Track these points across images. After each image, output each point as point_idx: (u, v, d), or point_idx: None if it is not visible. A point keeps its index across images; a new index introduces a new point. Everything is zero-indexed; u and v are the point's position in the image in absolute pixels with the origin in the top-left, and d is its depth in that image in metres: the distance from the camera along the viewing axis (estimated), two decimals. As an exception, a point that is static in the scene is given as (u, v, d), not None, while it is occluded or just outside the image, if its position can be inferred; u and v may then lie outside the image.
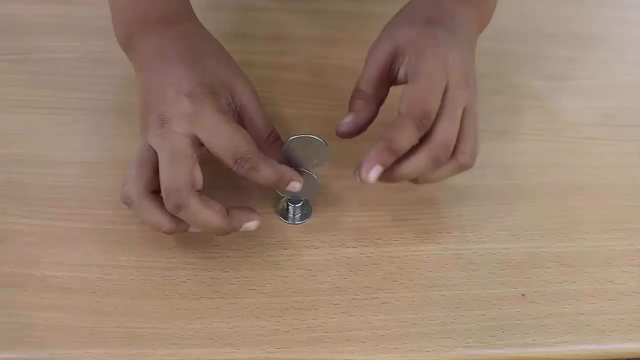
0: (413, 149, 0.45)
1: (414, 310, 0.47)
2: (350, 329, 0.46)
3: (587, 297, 0.49)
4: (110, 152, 0.54)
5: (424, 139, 0.45)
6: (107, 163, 0.53)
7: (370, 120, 0.49)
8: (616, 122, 0.61)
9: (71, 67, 0.60)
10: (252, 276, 0.48)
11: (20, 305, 0.45)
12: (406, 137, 0.45)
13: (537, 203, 0.54)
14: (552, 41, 0.68)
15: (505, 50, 0.65)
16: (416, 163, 0.45)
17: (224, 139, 0.44)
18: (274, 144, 0.49)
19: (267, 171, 0.45)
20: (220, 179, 0.53)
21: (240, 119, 0.48)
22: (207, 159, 0.54)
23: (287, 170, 0.46)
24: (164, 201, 0.44)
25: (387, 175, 0.45)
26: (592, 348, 0.47)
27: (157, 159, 0.44)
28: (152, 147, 0.45)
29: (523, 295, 0.49)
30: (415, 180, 0.47)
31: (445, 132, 0.45)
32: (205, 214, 0.44)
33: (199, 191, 0.44)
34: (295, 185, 0.46)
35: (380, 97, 0.49)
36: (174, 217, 0.44)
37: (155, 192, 0.45)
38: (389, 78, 0.49)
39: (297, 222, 0.51)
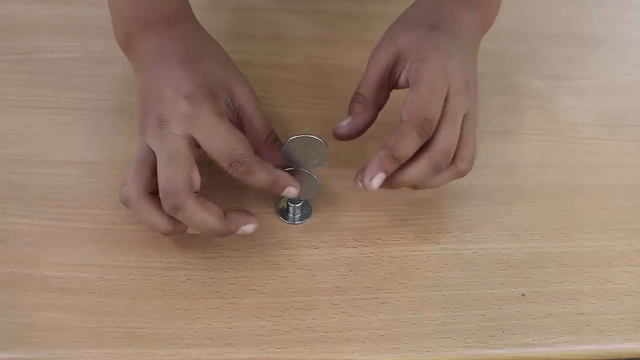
0: (414, 156, 0.46)
1: (414, 310, 0.47)
2: (350, 329, 0.46)
3: (587, 297, 0.49)
4: (110, 152, 0.54)
5: (424, 145, 0.46)
6: (107, 163, 0.53)
7: (368, 124, 0.49)
8: (616, 122, 0.61)
9: (71, 67, 0.60)
10: (252, 276, 0.48)
11: (20, 305, 0.45)
12: (409, 145, 0.45)
13: (537, 203, 0.54)
14: (552, 41, 0.68)
15: (505, 50, 0.65)
16: (417, 170, 0.46)
17: (220, 142, 0.44)
18: (272, 144, 0.49)
19: (262, 175, 0.45)
20: (219, 179, 0.53)
21: (239, 119, 0.48)
22: (206, 160, 0.54)
23: (282, 175, 0.46)
24: (162, 202, 0.44)
25: (389, 181, 0.46)
26: (592, 348, 0.47)
27: (156, 159, 0.44)
28: (150, 148, 0.45)
29: (523, 295, 0.49)
30: (414, 186, 0.48)
31: (446, 139, 0.46)
32: (202, 216, 0.44)
33: (196, 192, 0.44)
34: (291, 191, 0.46)
35: (379, 102, 0.50)
36: (171, 218, 0.44)
37: (153, 193, 0.45)
38: (389, 83, 0.50)
39: (297, 222, 0.51)
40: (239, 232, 0.45)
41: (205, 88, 0.45)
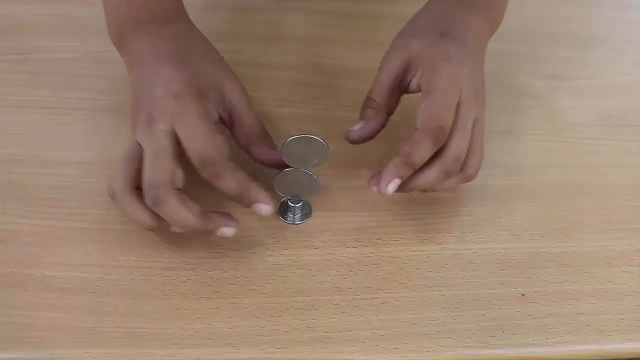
0: (426, 162, 0.47)
1: (414, 310, 0.47)
2: (350, 329, 0.46)
3: (587, 297, 0.49)
4: (110, 152, 0.54)
5: (437, 152, 0.47)
6: (107, 163, 0.53)
7: (379, 129, 0.51)
8: (616, 122, 0.61)
9: (71, 67, 0.60)
10: (252, 276, 0.48)
11: (20, 305, 0.45)
12: (423, 152, 0.47)
13: (537, 203, 0.54)
14: (552, 41, 0.68)
15: (505, 50, 0.65)
16: (429, 176, 0.47)
17: (197, 142, 0.45)
18: (263, 143, 0.50)
19: (231, 182, 0.45)
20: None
21: (230, 119, 0.49)
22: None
23: (254, 188, 0.46)
24: (144, 196, 0.44)
25: (402, 186, 0.47)
26: (592, 348, 0.47)
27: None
28: (139, 144, 0.46)
29: (523, 295, 0.49)
30: (423, 190, 0.49)
31: (458, 146, 0.47)
32: (182, 212, 0.44)
33: (179, 190, 0.45)
34: (262, 209, 0.46)
35: (390, 107, 0.51)
36: (154, 214, 0.45)
37: (140, 188, 0.45)
38: (400, 88, 0.51)
39: (297, 222, 0.51)
40: (218, 233, 0.46)
41: (194, 88, 0.46)
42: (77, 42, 0.62)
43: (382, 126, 0.51)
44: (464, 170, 0.48)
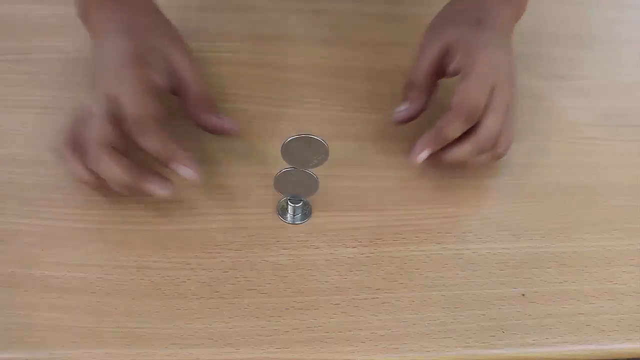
0: (460, 138, 0.51)
1: (414, 310, 0.47)
2: (350, 329, 0.46)
3: (587, 297, 0.49)
4: (110, 152, 0.54)
5: (471, 129, 0.50)
6: (107, 163, 0.53)
7: (422, 109, 0.54)
8: (616, 122, 0.61)
9: (71, 67, 0.60)
10: (252, 276, 0.48)
11: (20, 305, 0.45)
12: (455, 129, 0.50)
13: (537, 203, 0.54)
14: (552, 41, 0.68)
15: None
16: (462, 151, 0.51)
17: (127, 103, 0.48)
18: (209, 111, 0.53)
19: (154, 141, 0.48)
20: (219, 179, 0.53)
21: (179, 88, 0.53)
22: (206, 160, 0.54)
23: (176, 150, 0.49)
24: (83, 153, 0.47)
25: (436, 157, 0.51)
26: (592, 348, 0.47)
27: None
28: (86, 107, 0.49)
29: (523, 295, 0.49)
30: (454, 163, 0.52)
31: (491, 126, 0.50)
32: (115, 169, 0.47)
33: (115, 148, 0.47)
34: (183, 170, 0.48)
35: (430, 89, 0.54)
36: (93, 172, 0.48)
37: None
38: (438, 72, 0.54)
39: (297, 222, 0.51)
40: (151, 192, 0.48)
41: (138, 56, 0.50)
42: (77, 42, 0.62)
43: (424, 108, 0.54)
44: (494, 148, 0.52)
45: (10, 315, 0.45)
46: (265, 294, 0.47)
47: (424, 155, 0.51)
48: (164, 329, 0.45)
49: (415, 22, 0.68)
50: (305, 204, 0.52)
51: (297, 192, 0.50)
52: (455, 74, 0.52)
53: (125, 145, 0.48)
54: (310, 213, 0.52)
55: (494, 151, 0.52)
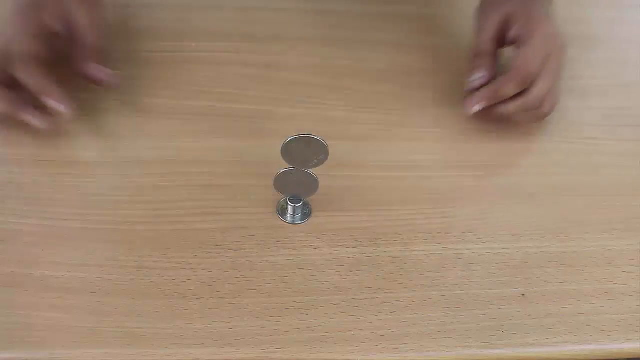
0: (513, 96, 0.56)
1: (414, 310, 0.47)
2: (350, 329, 0.46)
3: (587, 297, 0.49)
4: (110, 152, 0.54)
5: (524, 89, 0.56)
6: (107, 163, 0.53)
7: (494, 76, 0.58)
8: (616, 122, 0.61)
9: (71, 67, 0.60)
10: (252, 276, 0.48)
11: (20, 305, 0.45)
12: (510, 89, 0.55)
13: (536, 203, 0.54)
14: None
15: (505, 50, 0.65)
16: (512, 107, 0.56)
17: (14, 40, 0.53)
18: (91, 60, 0.55)
19: (30, 74, 0.52)
20: (219, 179, 0.53)
21: (73, 34, 0.56)
22: (206, 160, 0.54)
23: (49, 85, 0.52)
24: None
25: (488, 111, 0.56)
26: (592, 348, 0.47)
27: None
28: None
29: (523, 295, 0.49)
30: (502, 117, 0.57)
31: (542, 90, 0.56)
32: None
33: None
34: (54, 105, 0.52)
35: (496, 57, 0.59)
36: None
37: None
38: (499, 41, 0.59)
39: (297, 222, 0.51)
40: (27, 121, 0.52)
41: (36, 2, 0.55)
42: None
43: (494, 76, 0.58)
44: (540, 108, 0.57)
45: (10, 315, 0.45)
46: (265, 294, 0.47)
47: (478, 107, 0.56)
48: (164, 329, 0.45)
49: (415, 22, 0.68)
50: (305, 204, 0.52)
51: (297, 192, 0.50)
52: (513, 42, 0.58)
53: (11, 81, 0.52)
54: (310, 213, 0.52)
55: (539, 110, 0.57)
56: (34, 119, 0.52)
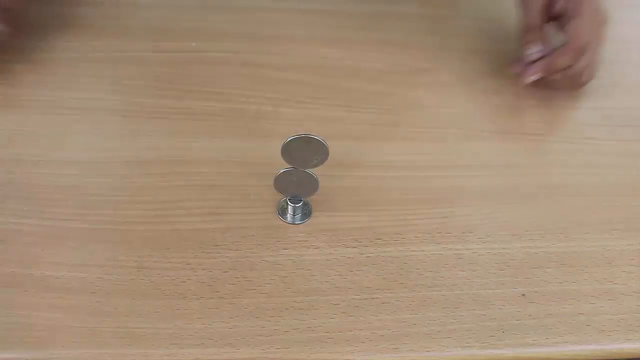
0: None
1: (414, 310, 0.47)
2: (350, 329, 0.46)
3: (587, 297, 0.49)
4: (110, 152, 0.54)
5: None
6: (107, 163, 0.53)
7: (548, 47, 0.60)
8: (616, 122, 0.61)
9: (71, 67, 0.60)
10: (252, 276, 0.48)
11: (20, 305, 0.45)
12: (564, 61, 0.59)
13: (537, 203, 0.54)
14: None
15: (506, 50, 0.65)
16: (558, 76, 0.60)
17: None
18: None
19: None
20: (219, 179, 0.53)
21: None
22: (206, 160, 0.54)
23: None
24: None
25: (526, 77, 0.60)
26: (592, 348, 0.47)
27: None
28: None
29: (523, 295, 0.49)
30: (545, 85, 0.61)
31: (585, 61, 0.59)
32: None
33: None
34: None
35: (544, 30, 0.61)
36: None
37: None
38: (547, 15, 0.61)
39: (297, 222, 0.51)
40: None
41: None
42: (77, 42, 0.62)
43: (548, 48, 0.60)
44: (580, 77, 0.60)
45: (10, 315, 0.45)
46: (265, 294, 0.47)
47: (534, 78, 0.59)
48: (164, 329, 0.45)
49: (415, 22, 0.68)
50: (305, 204, 0.52)
51: (297, 192, 0.50)
52: (558, 16, 0.60)
53: None
54: (310, 213, 0.52)
55: (579, 80, 0.60)
56: None
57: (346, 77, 0.62)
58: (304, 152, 0.47)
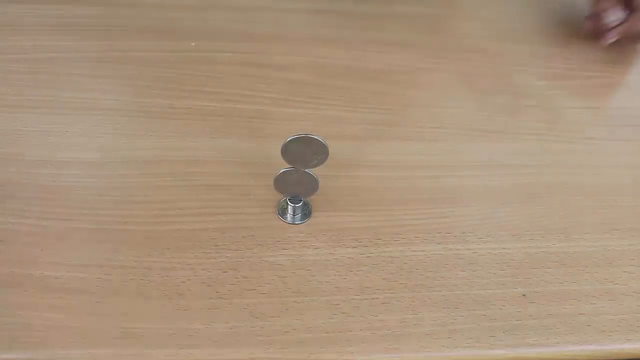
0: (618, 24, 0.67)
1: (414, 310, 0.47)
2: (350, 329, 0.46)
3: (588, 297, 0.49)
4: (110, 152, 0.54)
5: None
6: (107, 163, 0.53)
7: (622, 11, 0.68)
8: (616, 122, 0.61)
9: (71, 67, 0.60)
10: (252, 276, 0.48)
11: (20, 305, 0.45)
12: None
13: (537, 203, 0.54)
14: (552, 41, 0.68)
15: (505, 50, 0.65)
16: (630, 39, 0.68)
17: None
18: None
19: None
20: (219, 179, 0.53)
21: None
22: (206, 160, 0.54)
23: None
24: None
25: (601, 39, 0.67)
26: (593, 348, 0.47)
27: None
28: None
29: (523, 295, 0.49)
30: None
31: None
32: None
33: None
34: None
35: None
36: None
37: None
38: None
39: (297, 222, 0.51)
40: None
41: None
42: (77, 42, 0.62)
43: (622, 11, 0.68)
44: None
45: (10, 315, 0.45)
46: (265, 294, 0.47)
47: (613, 39, 0.66)
48: (164, 329, 0.45)
49: (415, 22, 0.68)
50: (305, 204, 0.52)
51: (297, 192, 0.50)
52: None
53: None
54: (310, 213, 0.52)
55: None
56: None
57: (346, 77, 0.62)
58: (304, 152, 0.47)
